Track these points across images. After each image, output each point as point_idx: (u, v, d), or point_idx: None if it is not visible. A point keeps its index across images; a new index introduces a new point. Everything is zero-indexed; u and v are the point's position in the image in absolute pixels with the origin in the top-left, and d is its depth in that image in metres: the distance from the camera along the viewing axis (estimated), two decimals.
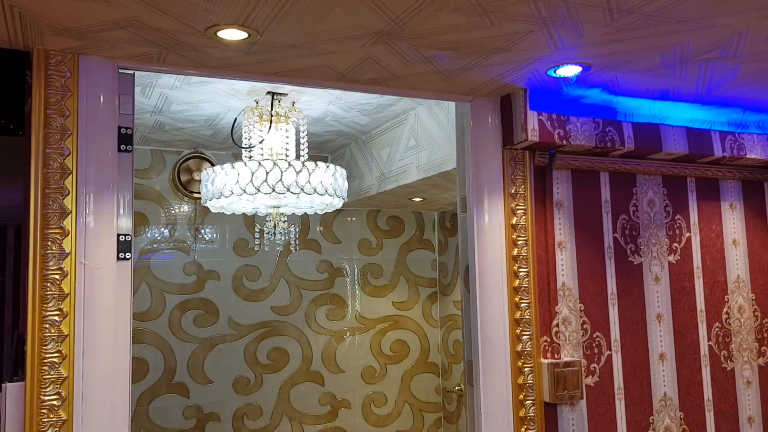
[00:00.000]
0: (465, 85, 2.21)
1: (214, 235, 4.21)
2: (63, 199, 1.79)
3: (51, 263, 1.76)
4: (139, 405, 3.91)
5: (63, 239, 1.78)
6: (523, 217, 2.31)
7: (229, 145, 4.09)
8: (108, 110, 1.89)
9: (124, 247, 1.90)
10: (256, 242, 3.59)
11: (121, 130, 1.93)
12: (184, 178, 4.16)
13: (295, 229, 3.35)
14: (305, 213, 4.37)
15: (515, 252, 2.29)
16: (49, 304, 1.75)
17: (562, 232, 2.38)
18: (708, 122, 2.59)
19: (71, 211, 1.80)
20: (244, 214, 4.30)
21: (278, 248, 3.36)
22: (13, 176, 2.41)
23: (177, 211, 4.16)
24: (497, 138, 2.32)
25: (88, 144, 1.84)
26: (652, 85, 2.27)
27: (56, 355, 1.75)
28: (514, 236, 2.29)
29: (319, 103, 3.31)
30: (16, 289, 2.40)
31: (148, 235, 4.03)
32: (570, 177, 2.43)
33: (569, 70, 2.09)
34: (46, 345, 1.74)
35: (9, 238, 2.51)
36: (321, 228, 4.51)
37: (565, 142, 2.28)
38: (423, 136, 3.46)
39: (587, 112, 2.38)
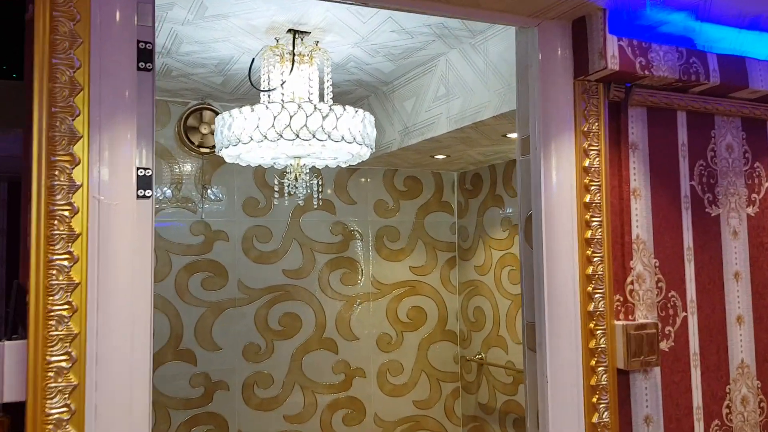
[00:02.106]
0: (534, 3, 1.91)
1: (221, 196, 3.91)
2: (73, 120, 1.47)
3: (59, 197, 1.45)
4: None
5: (73, 168, 1.47)
6: (596, 159, 2.01)
7: (239, 96, 3.76)
8: (124, 18, 1.57)
9: (144, 183, 1.59)
10: (275, 197, 3.29)
11: (140, 44, 1.61)
12: (190, 131, 3.84)
13: (317, 181, 3.05)
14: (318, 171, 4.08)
15: (587, 199, 2.00)
16: (57, 246, 1.44)
17: (637, 177, 2.10)
18: None
19: (83, 136, 1.48)
20: (254, 171, 4.01)
21: (300, 202, 3.07)
22: (2, 123, 2.16)
23: (182, 167, 3.85)
24: (568, 68, 2.01)
25: (101, 56, 1.52)
26: (748, 8, 1.98)
27: (65, 307, 1.45)
28: (586, 180, 2.00)
29: (343, 45, 2.99)
30: (9, 245, 2.16)
31: None
32: (645, 115, 2.13)
33: None
34: (53, 295, 1.43)
35: (1, 192, 2.29)
36: (334, 188, 4.22)
37: (647, 73, 1.98)
38: (455, 84, 3.15)
39: (663, 42, 2.09)
